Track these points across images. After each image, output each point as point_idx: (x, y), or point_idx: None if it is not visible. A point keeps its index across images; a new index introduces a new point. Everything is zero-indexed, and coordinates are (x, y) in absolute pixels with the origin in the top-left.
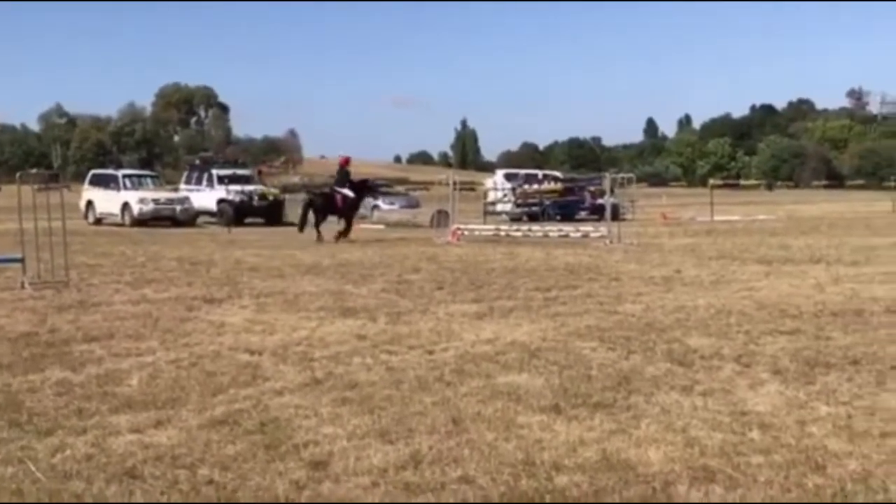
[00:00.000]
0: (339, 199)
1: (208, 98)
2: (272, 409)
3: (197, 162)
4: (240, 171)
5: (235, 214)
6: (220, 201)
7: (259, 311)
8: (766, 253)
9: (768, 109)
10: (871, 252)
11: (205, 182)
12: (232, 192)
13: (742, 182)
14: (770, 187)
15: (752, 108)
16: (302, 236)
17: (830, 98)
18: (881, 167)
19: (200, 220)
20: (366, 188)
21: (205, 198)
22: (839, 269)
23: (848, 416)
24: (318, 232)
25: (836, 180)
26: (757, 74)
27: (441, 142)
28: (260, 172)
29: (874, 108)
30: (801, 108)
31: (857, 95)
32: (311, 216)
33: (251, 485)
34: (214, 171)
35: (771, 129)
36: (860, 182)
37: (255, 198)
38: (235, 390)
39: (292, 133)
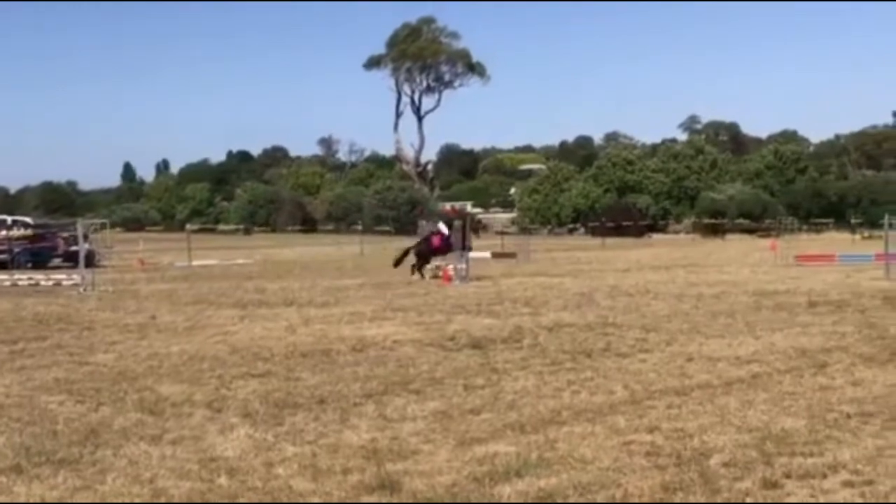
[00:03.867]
0: (436, 239)
1: None
2: None
3: None
4: None
5: None
6: None
7: None
8: (242, 297)
9: (245, 156)
10: (340, 293)
11: None
12: None
13: (221, 227)
14: (248, 232)
15: (230, 153)
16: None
17: (303, 146)
18: (350, 212)
19: None
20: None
21: None
22: (310, 310)
23: (313, 455)
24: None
25: (310, 225)
26: (232, 121)
27: None
28: None
29: (343, 155)
30: (276, 155)
31: (327, 144)
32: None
33: None
34: None
35: (248, 175)
36: (331, 227)
37: None
38: None
39: None
